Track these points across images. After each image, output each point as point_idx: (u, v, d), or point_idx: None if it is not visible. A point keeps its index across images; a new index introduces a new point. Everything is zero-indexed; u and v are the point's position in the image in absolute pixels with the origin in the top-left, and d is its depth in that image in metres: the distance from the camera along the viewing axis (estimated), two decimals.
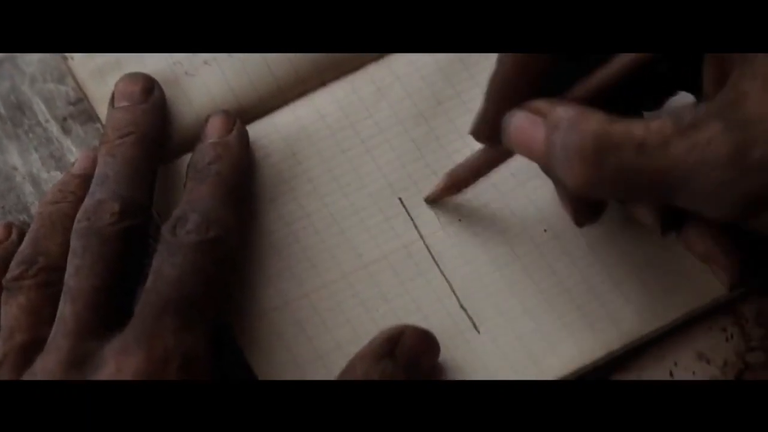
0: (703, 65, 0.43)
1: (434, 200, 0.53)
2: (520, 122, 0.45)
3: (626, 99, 0.46)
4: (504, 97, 0.46)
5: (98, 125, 0.55)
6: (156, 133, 0.53)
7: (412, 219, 0.53)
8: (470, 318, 0.51)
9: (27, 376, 0.46)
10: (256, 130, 0.54)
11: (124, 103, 0.53)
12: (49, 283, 0.49)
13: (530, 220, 0.53)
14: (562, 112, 0.43)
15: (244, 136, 0.53)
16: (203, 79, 0.55)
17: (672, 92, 0.48)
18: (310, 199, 0.53)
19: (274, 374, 0.50)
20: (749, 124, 0.40)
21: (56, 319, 0.47)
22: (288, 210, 0.53)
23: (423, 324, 0.51)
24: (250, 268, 0.52)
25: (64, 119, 0.56)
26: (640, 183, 0.42)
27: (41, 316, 0.48)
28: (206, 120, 0.53)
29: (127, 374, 0.45)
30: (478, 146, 0.54)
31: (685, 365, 0.50)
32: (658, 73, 0.46)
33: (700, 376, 0.50)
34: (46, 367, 0.46)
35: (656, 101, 0.48)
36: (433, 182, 0.53)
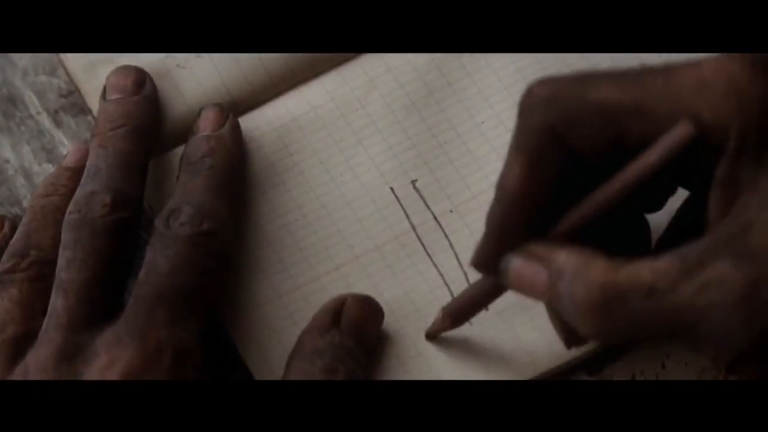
0: (710, 192, 0.42)
1: (434, 336, 0.51)
2: (520, 268, 0.44)
3: (628, 206, 0.45)
4: (503, 231, 0.45)
5: (90, 118, 0.55)
6: (148, 125, 0.53)
7: (404, 210, 0.53)
8: None
9: (19, 369, 0.46)
10: (248, 122, 0.54)
11: (116, 96, 0.53)
12: (41, 276, 0.49)
13: None
14: (565, 259, 0.43)
15: (237, 130, 0.53)
16: (195, 72, 0.55)
17: (672, 191, 0.47)
18: (302, 192, 0.53)
19: (266, 367, 0.50)
20: (758, 257, 0.40)
21: (48, 312, 0.47)
22: (280, 202, 0.53)
23: (415, 315, 0.51)
24: (243, 261, 0.52)
25: (56, 112, 0.56)
26: (650, 327, 0.42)
27: (33, 309, 0.48)
28: (199, 113, 0.53)
29: (119, 366, 0.45)
30: (469, 136, 0.54)
31: (677, 357, 0.50)
32: (662, 178, 0.45)
33: (693, 367, 0.50)
34: (38, 360, 0.46)
35: (659, 202, 0.47)
36: (430, 172, 0.53)
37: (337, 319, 0.49)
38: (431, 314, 0.51)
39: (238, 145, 0.53)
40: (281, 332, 0.51)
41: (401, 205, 0.53)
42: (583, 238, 0.44)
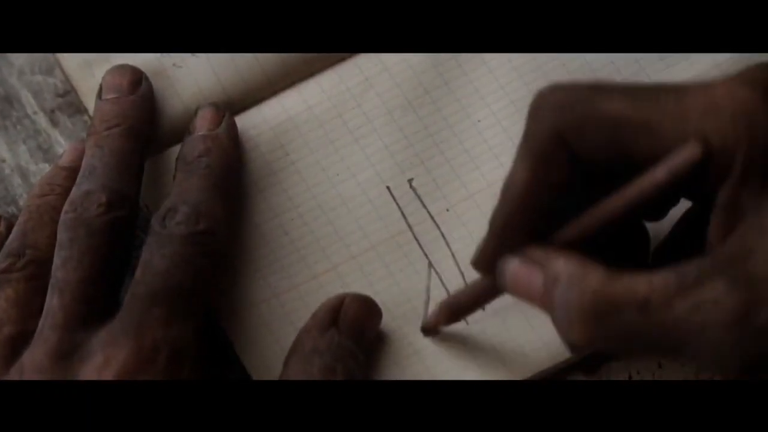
0: (711, 213, 0.43)
1: (431, 331, 0.51)
2: (517, 270, 0.45)
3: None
4: (505, 234, 0.45)
5: (86, 117, 0.55)
6: (144, 124, 0.53)
7: (400, 209, 0.53)
8: None
9: (15, 369, 0.46)
10: (244, 121, 0.54)
11: (112, 95, 0.53)
12: (37, 275, 0.49)
13: None
14: (562, 266, 0.43)
15: (233, 129, 0.53)
16: (191, 71, 0.55)
17: (675, 202, 0.47)
18: (298, 191, 0.53)
19: (263, 366, 0.50)
20: (756, 282, 0.40)
21: (44, 311, 0.47)
22: (276, 202, 0.53)
23: (412, 314, 0.51)
24: (240, 261, 0.52)
25: (53, 111, 0.56)
26: (642, 341, 0.42)
27: (29, 309, 0.48)
28: (195, 112, 0.53)
29: (115, 365, 0.45)
30: (466, 135, 0.54)
31: None
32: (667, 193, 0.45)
33: (689, 366, 0.50)
34: (33, 359, 0.46)
35: (661, 211, 0.47)
36: (426, 171, 0.53)
37: (335, 318, 0.49)
38: (427, 314, 0.51)
39: (234, 144, 0.53)
40: (278, 331, 0.51)
41: (397, 205, 0.53)
42: (582, 244, 0.44)
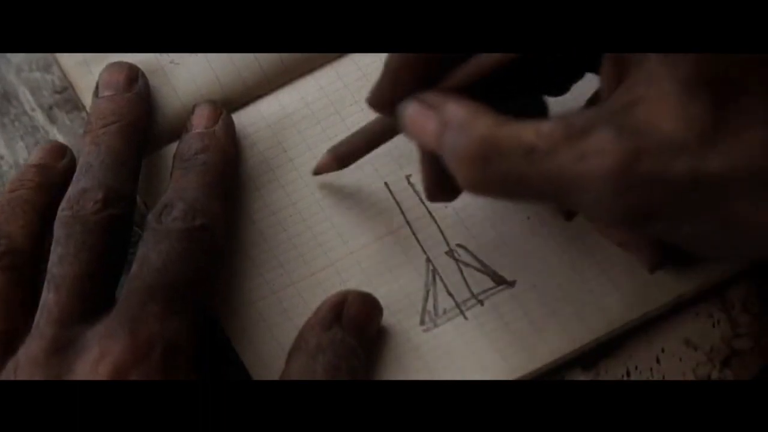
0: (602, 64, 0.43)
1: (318, 174, 0.53)
2: (413, 113, 0.45)
3: (522, 84, 0.46)
4: (399, 74, 0.46)
5: (84, 114, 0.55)
6: (140, 122, 0.53)
7: (398, 205, 0.53)
8: (457, 305, 0.51)
9: (11, 363, 0.46)
10: (242, 118, 0.54)
11: (109, 93, 0.53)
12: (14, 266, 0.49)
13: (516, 207, 0.52)
14: (454, 110, 0.43)
15: (230, 127, 0.53)
16: (188, 68, 0.55)
17: (579, 76, 0.47)
18: (295, 187, 0.53)
19: (261, 363, 0.50)
20: (640, 132, 0.40)
21: (39, 307, 0.47)
22: (274, 198, 0.53)
23: (410, 310, 0.51)
24: (237, 257, 0.52)
25: (50, 108, 0.56)
26: (527, 188, 0.42)
27: (10, 302, 0.49)
28: (192, 110, 0.53)
29: (110, 359, 0.45)
30: None
31: (672, 351, 0.50)
32: (560, 59, 0.45)
33: (687, 362, 0.50)
34: (29, 354, 0.46)
35: (561, 86, 0.47)
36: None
37: (338, 315, 0.49)
38: (426, 309, 0.51)
39: (231, 142, 0.53)
40: (276, 328, 0.51)
41: (396, 201, 0.53)
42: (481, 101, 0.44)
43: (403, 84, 0.46)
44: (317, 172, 0.53)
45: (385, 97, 0.47)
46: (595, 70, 0.46)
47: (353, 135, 0.51)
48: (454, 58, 0.45)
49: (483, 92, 0.45)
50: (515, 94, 0.46)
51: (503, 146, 0.42)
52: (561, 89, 0.47)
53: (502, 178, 0.42)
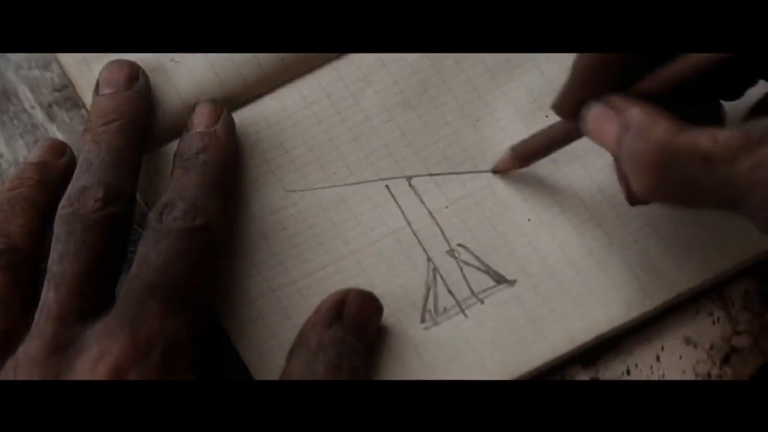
0: None
1: (498, 171, 0.53)
2: (597, 115, 0.46)
3: (705, 89, 0.46)
4: (587, 78, 0.47)
5: (84, 112, 0.55)
6: (141, 120, 0.53)
7: (399, 206, 0.53)
8: (458, 303, 0.51)
9: (10, 362, 0.46)
10: (243, 117, 0.54)
11: (109, 90, 0.53)
12: (13, 264, 0.49)
13: (516, 208, 0.53)
14: (635, 114, 0.44)
15: (231, 126, 0.53)
16: (189, 67, 0.55)
17: (752, 82, 0.48)
18: (296, 187, 0.53)
19: (261, 361, 0.50)
20: None
21: (39, 306, 0.47)
22: (275, 198, 0.53)
23: (410, 309, 0.51)
24: (238, 256, 0.52)
25: (50, 106, 0.56)
26: (701, 194, 0.43)
27: (10, 301, 0.48)
28: (193, 108, 0.53)
29: (110, 358, 0.45)
30: (464, 132, 0.54)
31: (671, 349, 0.50)
32: (737, 64, 0.46)
33: (687, 359, 0.50)
34: (29, 353, 0.46)
35: (736, 91, 0.48)
36: (425, 169, 0.53)
37: (339, 313, 0.49)
38: (427, 308, 0.51)
39: (231, 141, 0.53)
40: (276, 326, 0.51)
41: (396, 202, 0.53)
42: (660, 99, 0.45)
43: (590, 87, 0.47)
44: (497, 169, 0.53)
45: (571, 100, 0.48)
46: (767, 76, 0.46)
47: (535, 135, 0.52)
48: (641, 64, 0.46)
49: (664, 98, 0.45)
50: (694, 100, 0.46)
51: (681, 152, 0.43)
52: (737, 94, 0.48)
53: (677, 183, 0.43)
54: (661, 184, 0.43)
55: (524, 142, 0.52)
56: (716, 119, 0.48)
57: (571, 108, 0.48)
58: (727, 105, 0.48)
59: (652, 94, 0.46)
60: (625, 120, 0.45)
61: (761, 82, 0.48)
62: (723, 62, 0.44)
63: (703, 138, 0.43)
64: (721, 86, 0.47)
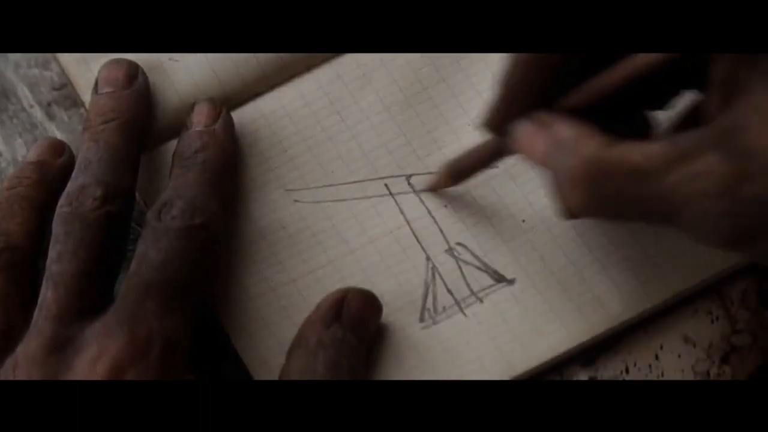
0: (708, 90, 0.43)
1: (433, 190, 0.53)
2: (524, 131, 0.46)
3: (630, 101, 0.46)
4: (514, 95, 0.47)
5: (83, 110, 0.55)
6: (140, 119, 0.53)
7: (398, 205, 0.53)
8: (457, 302, 0.51)
9: (9, 361, 0.46)
10: (242, 116, 0.54)
11: (108, 89, 0.53)
12: (11, 263, 0.49)
13: (516, 206, 0.53)
14: (563, 130, 0.44)
15: (230, 125, 0.53)
16: (188, 65, 0.55)
17: (678, 92, 0.47)
18: (295, 186, 0.53)
19: (260, 360, 0.50)
20: (748, 154, 0.40)
21: (38, 305, 0.47)
22: (274, 197, 0.53)
23: (409, 309, 0.51)
24: (237, 255, 0.52)
25: (49, 104, 0.56)
26: (635, 209, 0.42)
27: (9, 300, 0.48)
28: (192, 107, 0.53)
29: (109, 357, 0.45)
30: (463, 132, 0.54)
31: (670, 348, 0.50)
32: (663, 74, 0.46)
33: (686, 358, 0.50)
34: (28, 352, 0.46)
35: (662, 101, 0.48)
36: (425, 168, 0.53)
37: (339, 312, 0.49)
38: (426, 306, 0.51)
39: (230, 140, 0.53)
40: (275, 325, 0.51)
41: (395, 201, 0.53)
42: (586, 114, 0.45)
43: (517, 104, 0.47)
44: (433, 188, 0.53)
45: (499, 117, 0.48)
46: (699, 87, 0.46)
47: (468, 152, 0.51)
48: (566, 78, 0.46)
49: (590, 112, 0.45)
50: (620, 112, 0.46)
51: (611, 167, 0.42)
52: (662, 104, 0.48)
53: (609, 198, 0.43)
54: (592, 200, 0.43)
55: (457, 160, 0.52)
56: (643, 130, 0.48)
57: (500, 125, 0.48)
58: (654, 115, 0.48)
59: (577, 108, 0.45)
60: (553, 136, 0.44)
61: (687, 93, 0.47)
62: (647, 74, 0.44)
63: (632, 152, 0.42)
64: (646, 97, 0.47)
